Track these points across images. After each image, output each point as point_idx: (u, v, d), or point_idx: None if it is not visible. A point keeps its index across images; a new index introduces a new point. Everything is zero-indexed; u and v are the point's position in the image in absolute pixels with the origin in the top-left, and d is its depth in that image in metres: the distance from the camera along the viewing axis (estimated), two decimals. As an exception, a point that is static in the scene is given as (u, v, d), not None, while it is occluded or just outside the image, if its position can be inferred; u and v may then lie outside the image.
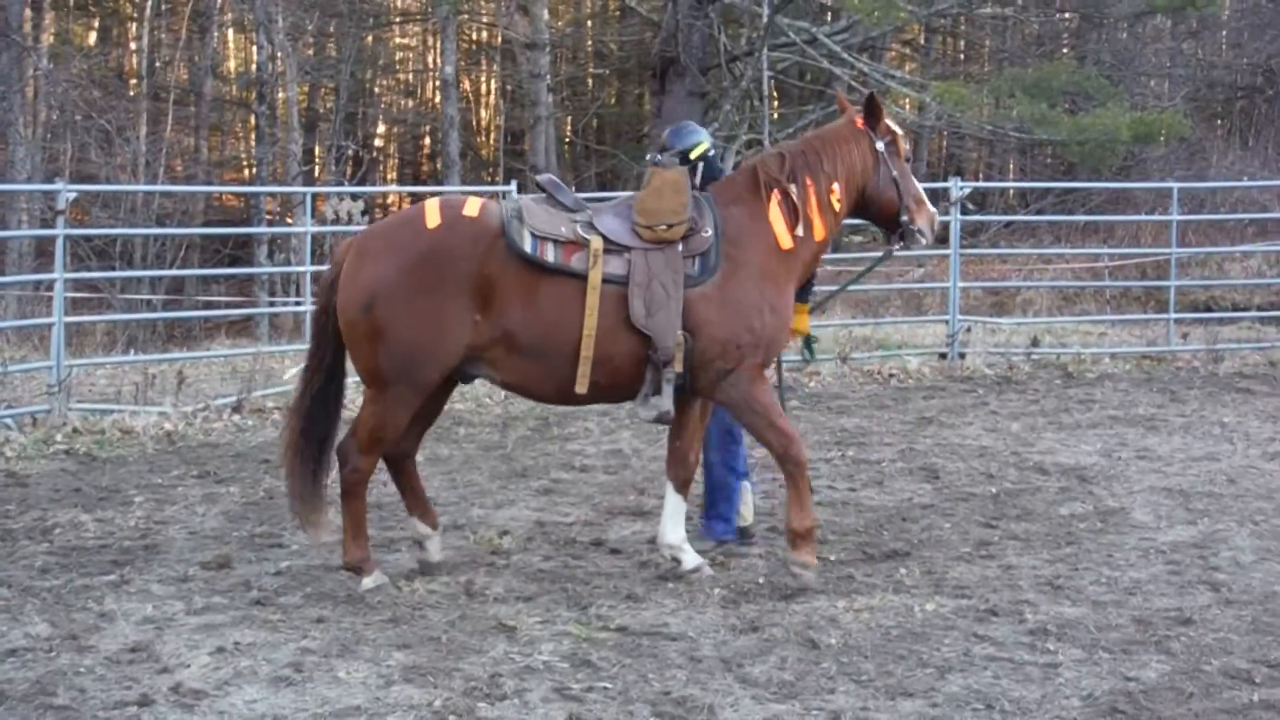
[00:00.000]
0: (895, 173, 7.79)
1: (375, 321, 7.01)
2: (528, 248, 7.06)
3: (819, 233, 7.61)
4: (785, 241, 7.47)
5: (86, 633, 6.55)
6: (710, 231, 7.33)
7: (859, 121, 7.85)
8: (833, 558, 7.90)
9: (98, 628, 6.64)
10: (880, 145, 7.80)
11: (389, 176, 44.25)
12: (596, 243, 7.15)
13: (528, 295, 7.07)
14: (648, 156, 8.01)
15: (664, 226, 7.24)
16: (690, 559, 7.61)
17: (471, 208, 7.18)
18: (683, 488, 7.70)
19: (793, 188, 7.55)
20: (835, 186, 7.65)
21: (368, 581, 7.25)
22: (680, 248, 7.24)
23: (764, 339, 7.34)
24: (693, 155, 8.00)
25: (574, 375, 7.14)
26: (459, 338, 7.03)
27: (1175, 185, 18.48)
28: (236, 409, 12.54)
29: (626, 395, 7.39)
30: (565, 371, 7.15)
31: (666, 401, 7.21)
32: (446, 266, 6.99)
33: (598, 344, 7.11)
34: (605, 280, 7.11)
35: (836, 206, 7.68)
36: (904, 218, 7.77)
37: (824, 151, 7.69)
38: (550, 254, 7.10)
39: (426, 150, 45.20)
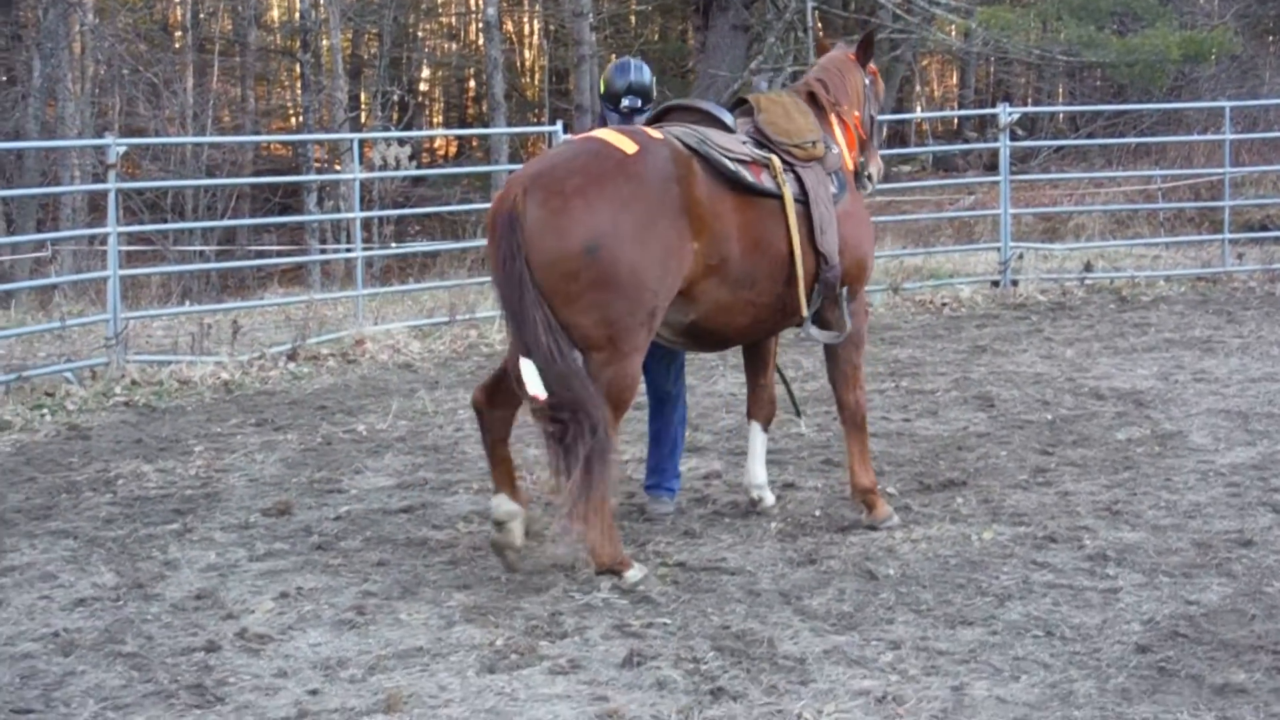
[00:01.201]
0: (873, 111, 7.77)
1: (603, 265, 6.17)
2: (730, 165, 6.62)
3: (853, 160, 7.57)
4: (850, 164, 7.45)
5: (152, 581, 6.64)
6: (837, 150, 7.23)
7: (852, 56, 7.73)
8: (889, 489, 7.90)
9: (163, 576, 6.73)
10: (866, 82, 7.74)
11: (435, 120, 44.28)
12: (777, 161, 6.84)
13: (732, 217, 6.60)
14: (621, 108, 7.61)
15: (810, 144, 7.01)
16: (770, 499, 7.59)
17: (652, 131, 6.66)
18: (768, 425, 7.63)
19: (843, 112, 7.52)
20: (857, 114, 7.61)
21: (632, 574, 6.37)
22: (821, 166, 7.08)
23: (870, 264, 7.36)
24: (654, 94, 7.76)
25: (769, 304, 6.82)
26: (681, 268, 6.40)
27: (1228, 104, 18.22)
28: (291, 356, 12.62)
29: (787, 324, 7.15)
30: (766, 299, 6.79)
31: (848, 319, 7.08)
32: (662, 192, 6.36)
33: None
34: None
35: (861, 136, 7.66)
36: (863, 158, 7.68)
37: (845, 80, 7.60)
38: (745, 173, 6.67)
39: (471, 93, 45.16)
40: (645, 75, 7.71)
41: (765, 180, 6.74)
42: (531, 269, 6.18)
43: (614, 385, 6.33)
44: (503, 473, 6.74)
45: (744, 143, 6.86)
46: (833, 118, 7.43)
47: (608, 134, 6.55)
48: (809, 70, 7.73)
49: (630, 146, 6.41)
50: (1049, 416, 9.63)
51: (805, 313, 6.90)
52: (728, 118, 7.01)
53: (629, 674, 5.38)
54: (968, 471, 8.27)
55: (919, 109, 38.43)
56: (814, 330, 7.06)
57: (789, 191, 6.79)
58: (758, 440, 7.57)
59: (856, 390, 7.24)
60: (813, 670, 5.36)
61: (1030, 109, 29.38)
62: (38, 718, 5.08)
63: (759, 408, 7.59)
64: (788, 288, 6.83)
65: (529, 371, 6.20)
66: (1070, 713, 4.91)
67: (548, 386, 6.17)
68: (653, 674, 5.36)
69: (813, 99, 7.44)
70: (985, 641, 5.61)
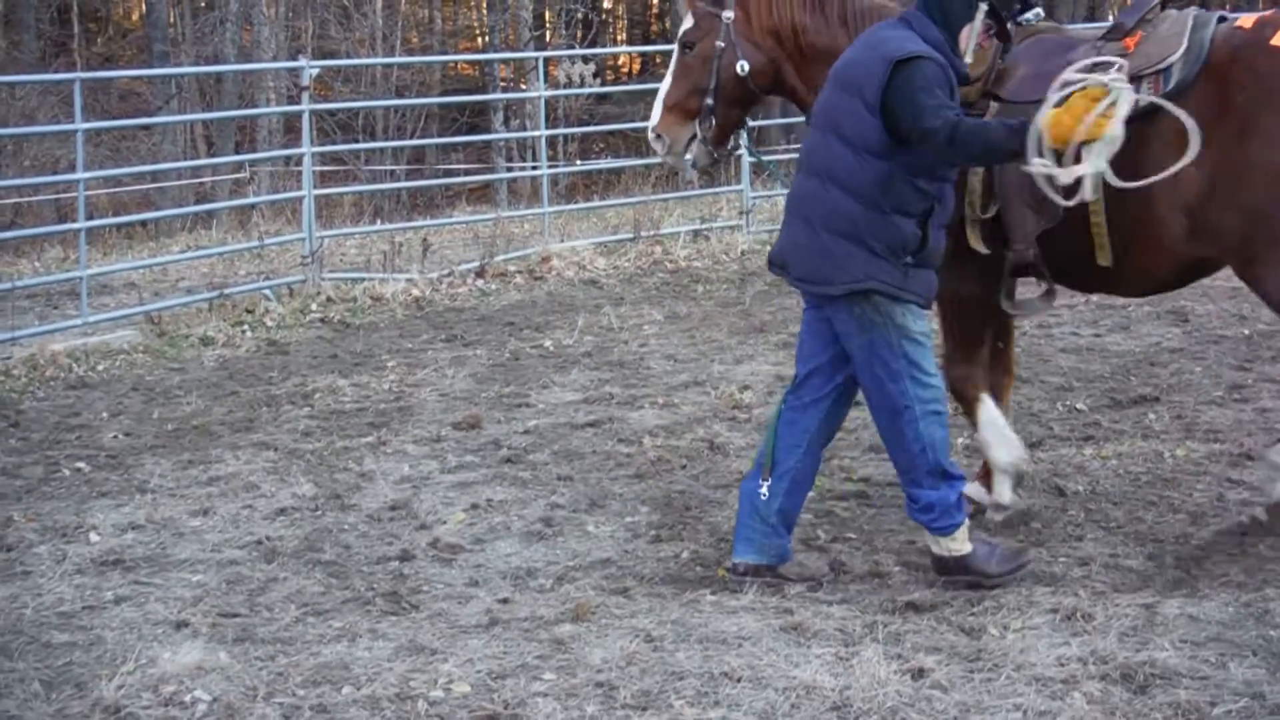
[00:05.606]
0: None
1: None
2: None
3: None
4: None
5: (348, 492, 6.83)
6: None
7: None
8: (1079, 405, 7.78)
9: (359, 487, 6.92)
10: None
11: (619, 38, 44.21)
12: None
13: None
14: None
15: None
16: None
17: None
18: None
19: None
20: None
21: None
22: None
23: None
24: None
25: None
26: None
27: None
28: (479, 274, 12.79)
29: None
30: None
31: None
32: None
33: None
34: None
35: None
36: None
37: None
38: None
39: (655, 9, 44.97)
40: None
41: None
42: None
43: None
44: None
45: None
46: None
47: None
48: None
49: None
50: (1246, 331, 9.35)
51: None
52: None
53: (814, 588, 5.40)
54: (1160, 387, 8.09)
55: (1110, 18, 37.30)
56: None
57: None
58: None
59: None
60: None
61: (1228, 14, 28.22)
62: (244, 621, 5.27)
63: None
64: None
65: None
66: (1265, 632, 4.81)
67: None
68: (838, 589, 5.38)
69: None
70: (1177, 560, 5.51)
